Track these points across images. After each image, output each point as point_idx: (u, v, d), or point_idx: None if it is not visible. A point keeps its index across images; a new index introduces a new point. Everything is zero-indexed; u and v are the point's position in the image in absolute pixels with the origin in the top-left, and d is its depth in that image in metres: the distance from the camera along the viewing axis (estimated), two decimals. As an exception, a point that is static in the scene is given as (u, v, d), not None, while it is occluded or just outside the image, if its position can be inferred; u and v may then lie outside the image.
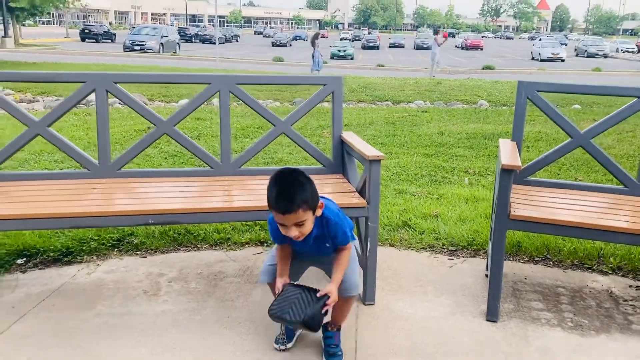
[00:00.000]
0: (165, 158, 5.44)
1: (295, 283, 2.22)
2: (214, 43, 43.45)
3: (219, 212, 2.57)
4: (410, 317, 2.68)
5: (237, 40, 52.08)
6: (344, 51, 33.66)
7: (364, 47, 45.57)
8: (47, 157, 5.37)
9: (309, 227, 2.06)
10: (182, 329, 2.53)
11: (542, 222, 2.50)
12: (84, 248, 3.35)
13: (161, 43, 32.00)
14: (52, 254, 3.25)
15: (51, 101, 11.15)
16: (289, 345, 2.38)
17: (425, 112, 8.92)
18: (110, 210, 2.48)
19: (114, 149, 5.54)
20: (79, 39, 41.90)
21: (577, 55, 40.03)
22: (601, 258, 3.37)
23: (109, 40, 41.96)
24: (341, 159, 3.18)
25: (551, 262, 3.36)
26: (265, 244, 3.52)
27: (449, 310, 2.77)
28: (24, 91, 13.99)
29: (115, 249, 3.40)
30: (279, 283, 2.22)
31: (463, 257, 3.42)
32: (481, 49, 46.11)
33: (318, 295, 2.12)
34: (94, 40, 41.16)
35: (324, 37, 71.84)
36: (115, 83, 2.93)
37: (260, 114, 3.12)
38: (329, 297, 2.11)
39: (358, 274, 2.34)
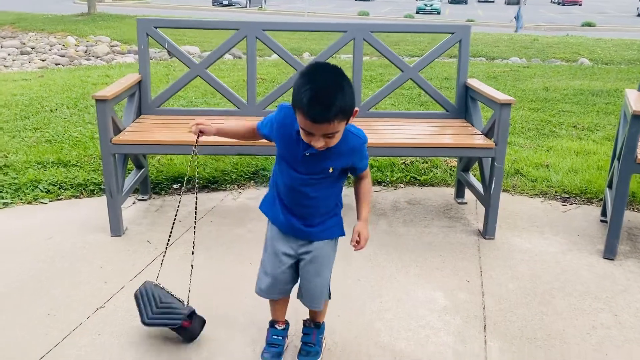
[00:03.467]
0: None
1: None
2: (298, -3, 43.67)
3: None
4: (529, 251, 2.92)
5: (320, -5, 51.77)
6: (431, 6, 32.74)
7: (452, 2, 43.97)
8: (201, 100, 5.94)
9: (337, 139, 1.63)
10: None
11: (669, 167, 2.62)
12: (226, 178, 3.81)
13: (248, -3, 32.59)
14: (201, 182, 3.74)
15: (155, 52, 11.93)
16: None
17: (527, 67, 8.78)
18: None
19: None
20: (169, -7, 43.38)
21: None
22: None
23: (198, -5, 43.13)
24: (464, 104, 3.38)
25: (667, 213, 3.44)
26: (380, 184, 3.84)
27: (566, 247, 2.97)
28: (130, 43, 14.99)
29: (252, 181, 3.83)
30: (202, 127, 1.90)
31: (576, 204, 3.57)
32: (579, 5, 43.13)
33: (352, 242, 1.82)
34: (184, -5, 42.48)
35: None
36: (264, 30, 3.28)
37: (391, 61, 3.37)
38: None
39: (327, 288, 1.95)
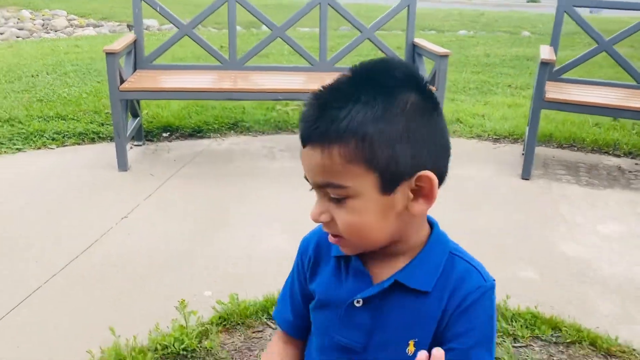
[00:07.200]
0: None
1: None
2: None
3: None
4: (462, 176, 3.61)
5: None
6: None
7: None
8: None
9: (358, 218, 0.83)
10: (299, 178, 3.53)
11: (568, 102, 3.37)
12: (209, 128, 4.36)
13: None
14: (187, 130, 4.28)
15: (114, 26, 12.15)
16: None
17: (473, 37, 9.57)
18: (254, 88, 3.45)
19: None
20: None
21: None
22: (617, 145, 4.21)
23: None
24: (412, 59, 4.04)
25: (576, 148, 4.23)
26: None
27: (493, 173, 3.70)
28: (86, 16, 14.99)
29: (232, 130, 4.40)
30: None
31: (504, 143, 4.32)
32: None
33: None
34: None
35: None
36: (243, -4, 3.82)
37: (351, 23, 3.98)
38: None
39: None
